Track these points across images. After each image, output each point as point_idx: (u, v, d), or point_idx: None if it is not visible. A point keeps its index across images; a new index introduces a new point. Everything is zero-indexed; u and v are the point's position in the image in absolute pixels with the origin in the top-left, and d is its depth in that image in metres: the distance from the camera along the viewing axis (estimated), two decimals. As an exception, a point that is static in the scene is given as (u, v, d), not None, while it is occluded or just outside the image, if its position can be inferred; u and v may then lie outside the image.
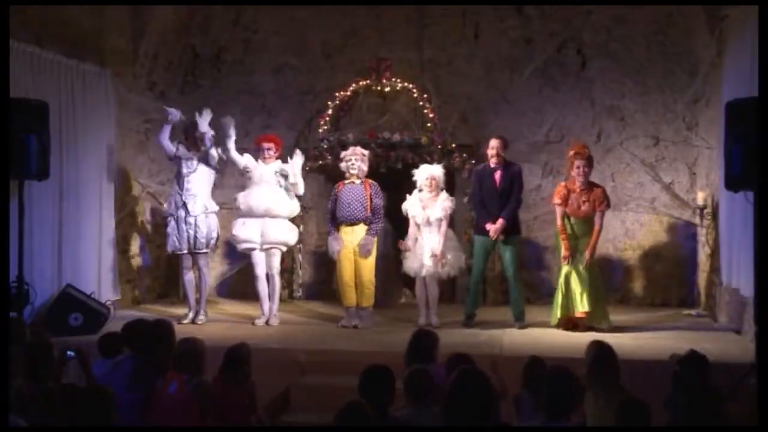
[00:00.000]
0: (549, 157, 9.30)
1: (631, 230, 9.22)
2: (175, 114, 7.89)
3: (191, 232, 7.83)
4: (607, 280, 8.51)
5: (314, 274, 9.64)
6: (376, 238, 7.64)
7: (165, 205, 8.20)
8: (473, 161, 8.77)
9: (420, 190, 7.79)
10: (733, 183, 5.67)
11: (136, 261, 9.13)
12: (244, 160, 7.88)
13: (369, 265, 7.62)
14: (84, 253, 7.91)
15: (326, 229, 8.02)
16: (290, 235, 7.97)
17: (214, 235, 7.98)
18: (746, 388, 4.94)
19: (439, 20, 9.48)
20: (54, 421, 3.71)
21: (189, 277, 8.01)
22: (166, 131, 7.91)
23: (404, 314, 8.22)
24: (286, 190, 7.83)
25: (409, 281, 8.47)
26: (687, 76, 8.98)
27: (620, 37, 9.20)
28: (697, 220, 8.71)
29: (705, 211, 8.41)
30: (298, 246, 9.05)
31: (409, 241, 7.78)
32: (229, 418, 4.60)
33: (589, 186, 7.54)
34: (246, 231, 7.78)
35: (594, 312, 7.35)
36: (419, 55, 9.50)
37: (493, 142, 7.68)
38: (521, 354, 5.75)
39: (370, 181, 7.76)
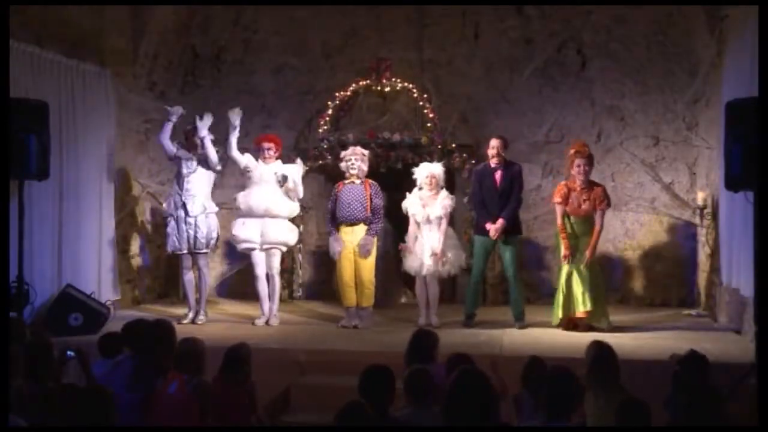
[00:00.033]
0: (549, 157, 9.30)
1: (631, 230, 9.22)
2: (177, 110, 7.89)
3: (191, 232, 7.83)
4: (607, 279, 8.50)
5: (314, 274, 9.64)
6: (375, 238, 7.64)
7: (164, 205, 8.20)
8: (473, 161, 8.76)
9: (420, 188, 7.79)
10: (733, 183, 5.67)
11: (136, 261, 9.14)
12: (245, 159, 7.88)
13: (369, 265, 7.62)
14: (84, 253, 7.91)
15: (326, 229, 8.01)
16: (290, 235, 7.97)
17: (214, 235, 7.98)
18: (746, 388, 4.94)
19: (439, 20, 9.48)
20: (54, 421, 3.71)
21: (189, 277, 8.01)
22: (167, 131, 7.90)
23: (404, 314, 8.21)
24: (285, 193, 7.83)
25: (409, 280, 8.47)
26: (687, 76, 8.98)
27: (620, 37, 9.20)
28: (697, 220, 8.71)
29: (705, 211, 8.41)
30: (298, 246, 9.05)
31: (409, 240, 7.78)
32: (229, 418, 4.60)
33: (590, 185, 7.53)
34: (246, 231, 7.78)
35: (594, 311, 7.35)
36: (419, 55, 9.50)
37: (494, 142, 7.68)
38: (521, 354, 5.75)
39: (370, 181, 7.76)
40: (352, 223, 7.60)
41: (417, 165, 8.04)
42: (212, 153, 7.81)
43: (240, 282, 9.31)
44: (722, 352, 6.17)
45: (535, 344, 6.71)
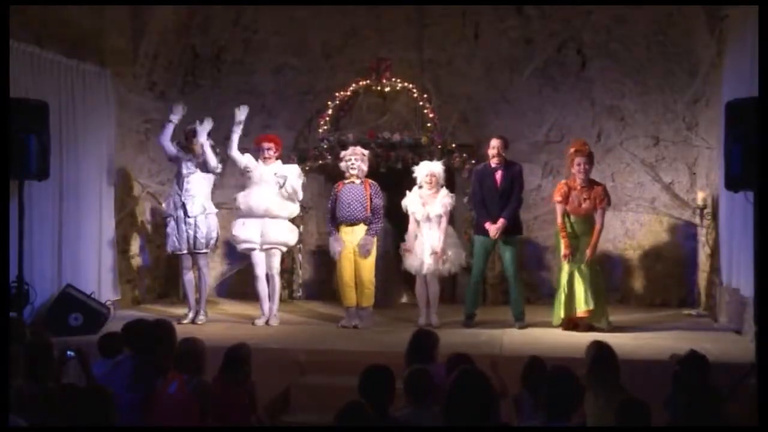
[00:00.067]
0: (549, 157, 9.30)
1: (631, 230, 9.22)
2: (179, 110, 7.88)
3: (191, 232, 7.83)
4: (608, 279, 8.51)
5: (314, 274, 9.64)
6: (375, 238, 7.64)
7: (164, 205, 8.20)
8: (473, 161, 8.76)
9: (420, 187, 7.79)
10: (733, 183, 5.67)
11: (136, 261, 9.14)
12: (245, 159, 7.88)
13: (369, 265, 7.62)
14: (84, 253, 7.91)
15: (326, 229, 8.01)
16: (290, 235, 7.97)
17: (214, 235, 7.99)
18: (746, 388, 4.93)
19: (439, 20, 9.48)
20: (54, 421, 3.71)
21: (189, 277, 8.02)
22: (168, 132, 7.90)
23: (404, 314, 8.22)
24: (283, 196, 7.82)
25: (409, 279, 8.47)
26: (687, 76, 8.98)
27: (620, 37, 9.20)
28: (697, 220, 8.71)
29: (705, 211, 8.41)
30: (298, 246, 9.05)
31: (409, 238, 7.78)
32: (229, 418, 4.60)
33: (590, 183, 7.53)
34: (246, 231, 7.78)
35: (594, 310, 7.35)
36: (419, 55, 9.50)
37: (494, 142, 7.68)
38: (521, 354, 5.74)
39: (370, 181, 7.75)
40: (352, 223, 7.60)
41: (417, 165, 8.04)
42: (212, 158, 7.81)
43: (240, 282, 9.31)
44: (722, 352, 6.17)
45: (535, 344, 6.71)
